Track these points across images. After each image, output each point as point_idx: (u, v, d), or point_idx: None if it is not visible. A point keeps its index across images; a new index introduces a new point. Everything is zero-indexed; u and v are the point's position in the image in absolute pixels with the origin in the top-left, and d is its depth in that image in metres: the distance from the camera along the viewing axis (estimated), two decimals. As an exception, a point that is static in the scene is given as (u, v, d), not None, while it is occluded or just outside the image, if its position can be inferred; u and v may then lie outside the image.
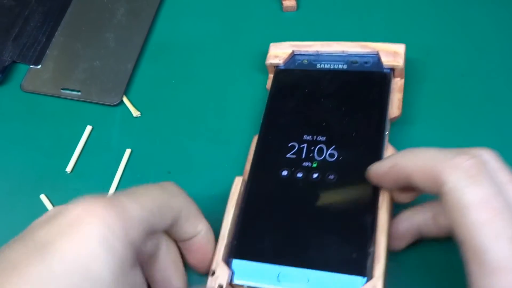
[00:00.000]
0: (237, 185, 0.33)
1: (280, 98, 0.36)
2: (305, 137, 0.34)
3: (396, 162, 0.27)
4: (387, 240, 0.29)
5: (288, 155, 0.33)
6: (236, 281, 0.29)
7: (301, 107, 0.35)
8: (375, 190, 0.31)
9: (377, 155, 0.32)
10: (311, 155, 0.33)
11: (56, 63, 0.42)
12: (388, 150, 0.32)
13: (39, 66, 0.42)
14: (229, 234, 0.31)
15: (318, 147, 0.33)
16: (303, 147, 0.33)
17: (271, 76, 0.38)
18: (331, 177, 0.32)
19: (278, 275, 0.29)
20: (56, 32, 0.44)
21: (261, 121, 0.35)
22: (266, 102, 0.36)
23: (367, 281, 0.28)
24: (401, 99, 0.35)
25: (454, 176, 0.24)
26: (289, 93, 0.36)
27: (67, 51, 0.43)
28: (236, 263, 0.30)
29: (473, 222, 0.23)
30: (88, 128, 0.39)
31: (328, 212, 0.31)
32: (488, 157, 0.25)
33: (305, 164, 0.33)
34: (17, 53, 0.43)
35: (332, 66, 0.37)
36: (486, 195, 0.23)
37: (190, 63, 0.42)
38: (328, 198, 0.31)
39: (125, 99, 0.40)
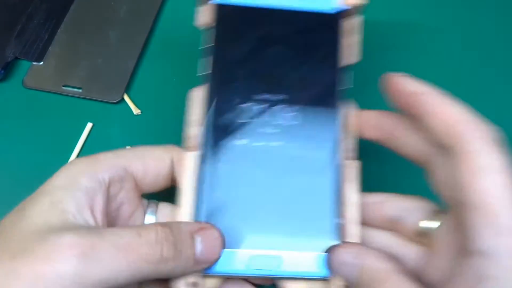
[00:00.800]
0: (191, 161, 0.29)
1: (226, 44, 0.31)
2: (259, 96, 0.30)
3: (424, 91, 0.26)
4: (359, 214, 0.28)
5: (243, 120, 0.30)
6: (207, 272, 0.27)
7: (248, 56, 0.31)
8: (339, 158, 0.29)
9: (334, 116, 0.30)
10: (268, 119, 0.30)
11: (58, 60, 0.43)
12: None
13: (41, 63, 0.42)
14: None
15: (274, 108, 0.30)
16: (259, 108, 0.30)
17: (203, 9, 0.33)
18: (293, 144, 0.29)
19: (249, 260, 0.27)
20: (59, 29, 0.44)
21: (203, 72, 0.31)
22: (208, 49, 0.31)
23: None
24: (358, 42, 0.31)
25: (479, 140, 0.24)
26: (234, 38, 0.31)
27: (69, 48, 0.43)
28: None
29: (490, 184, 0.23)
30: (89, 125, 0.39)
31: (293, 184, 0.29)
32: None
33: (263, 130, 0.30)
34: (19, 49, 0.43)
35: (277, 3, 0.32)
36: (506, 163, 0.23)
37: (192, 61, 0.42)
38: (292, 168, 0.29)
39: (126, 97, 0.40)
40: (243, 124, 0.30)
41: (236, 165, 0.29)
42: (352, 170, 0.29)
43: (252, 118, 0.30)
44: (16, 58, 0.43)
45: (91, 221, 0.26)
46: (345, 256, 0.26)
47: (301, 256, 0.27)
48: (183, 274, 0.26)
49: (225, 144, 0.29)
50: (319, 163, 0.29)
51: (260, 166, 0.29)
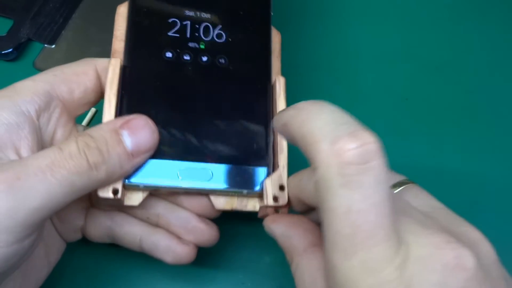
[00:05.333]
0: (115, 68, 0.28)
1: None
2: (187, 12, 0.30)
3: (285, 122, 0.23)
4: None
5: (170, 33, 0.29)
6: (132, 181, 0.26)
7: None
8: (270, 77, 0.29)
9: (266, 37, 0.30)
10: (196, 34, 0.29)
11: (69, 44, 0.43)
12: (274, 31, 0.31)
13: (53, 46, 0.43)
14: None
15: (203, 25, 0.30)
16: (186, 24, 0.30)
17: None
18: (222, 61, 0.29)
19: (178, 172, 0.27)
20: (74, 14, 0.45)
21: None
22: None
23: (268, 171, 0.27)
24: None
25: (327, 169, 0.19)
26: None
27: (81, 34, 0.44)
28: None
29: (336, 232, 0.19)
30: (92, 110, 0.40)
31: (224, 100, 0.29)
32: (377, 149, 0.19)
33: (192, 44, 0.29)
34: (33, 31, 0.44)
35: None
36: (359, 204, 0.19)
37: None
38: (221, 85, 0.29)
39: (132, 86, 0.41)
40: (167, 38, 0.29)
41: (163, 77, 0.28)
42: (281, 85, 0.29)
43: (177, 33, 0.29)
44: (29, 40, 0.43)
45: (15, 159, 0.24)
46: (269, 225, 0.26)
47: (232, 170, 0.27)
48: (124, 174, 0.25)
49: (150, 54, 0.29)
50: (250, 78, 0.29)
51: (187, 80, 0.29)
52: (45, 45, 0.43)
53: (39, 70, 0.42)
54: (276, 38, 0.31)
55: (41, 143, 0.27)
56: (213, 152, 0.27)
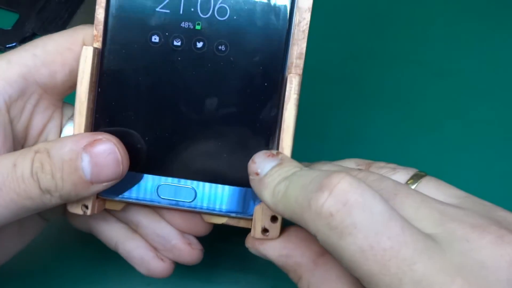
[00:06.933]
0: (88, 58, 0.23)
1: None
2: None
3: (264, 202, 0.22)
4: (292, 144, 0.23)
5: (159, 8, 0.23)
6: (106, 196, 0.24)
7: None
8: (283, 74, 0.23)
9: (284, 10, 0.23)
10: (192, 9, 0.23)
11: (73, 39, 0.43)
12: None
13: (58, 41, 0.43)
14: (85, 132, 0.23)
15: None
16: None
17: None
18: (222, 47, 0.23)
19: (157, 189, 0.24)
20: (79, 9, 0.45)
21: None
22: None
23: None
24: None
25: (320, 232, 0.19)
26: None
27: (86, 29, 0.44)
28: None
29: (368, 275, 0.18)
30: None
31: (219, 102, 0.23)
32: (347, 184, 0.19)
33: (185, 24, 0.23)
34: (38, 25, 0.44)
35: None
36: (366, 241, 0.18)
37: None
38: (217, 83, 0.23)
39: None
40: (155, 15, 0.24)
41: (146, 70, 0.24)
42: (292, 86, 0.23)
43: (167, 7, 0.24)
44: (34, 34, 0.44)
45: None
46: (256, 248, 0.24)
47: (220, 190, 0.24)
48: (82, 197, 0.23)
49: (132, 38, 0.24)
50: (254, 73, 0.23)
51: (179, 72, 0.24)
52: (50, 40, 0.43)
53: (43, 64, 0.42)
54: (305, 3, 0.23)
55: (12, 136, 0.24)
56: (199, 168, 0.24)
